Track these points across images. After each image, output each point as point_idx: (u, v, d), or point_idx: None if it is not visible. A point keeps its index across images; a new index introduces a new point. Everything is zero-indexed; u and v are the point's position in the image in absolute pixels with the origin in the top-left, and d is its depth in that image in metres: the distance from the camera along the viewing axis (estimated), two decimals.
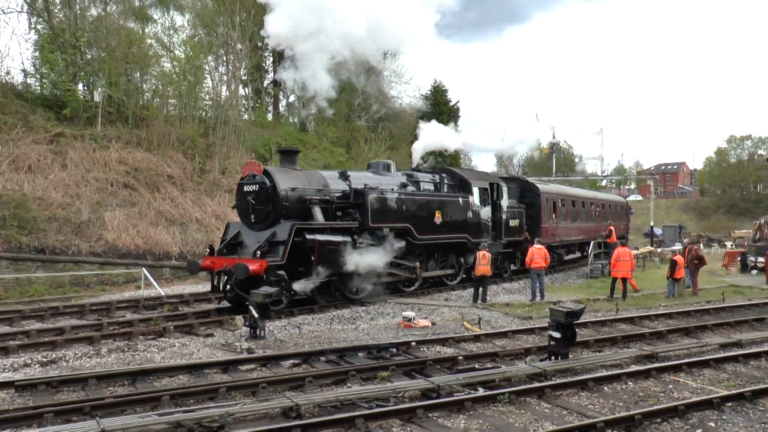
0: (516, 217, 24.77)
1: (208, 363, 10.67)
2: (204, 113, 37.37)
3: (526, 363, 11.18)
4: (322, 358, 11.29)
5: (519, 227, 24.91)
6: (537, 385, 9.49)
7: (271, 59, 45.76)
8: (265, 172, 16.75)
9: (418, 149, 25.63)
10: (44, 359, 11.15)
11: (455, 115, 46.06)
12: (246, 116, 41.61)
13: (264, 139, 37.46)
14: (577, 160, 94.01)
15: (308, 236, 15.89)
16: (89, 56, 33.62)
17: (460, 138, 27.83)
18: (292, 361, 11.11)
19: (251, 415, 8.04)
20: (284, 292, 15.64)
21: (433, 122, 29.09)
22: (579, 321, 11.50)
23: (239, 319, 14.24)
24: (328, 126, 41.97)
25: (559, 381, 9.79)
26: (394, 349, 11.91)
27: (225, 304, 16.73)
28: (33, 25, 34.29)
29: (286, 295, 15.81)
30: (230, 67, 39.99)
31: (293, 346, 12.75)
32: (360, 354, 11.63)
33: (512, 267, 25.95)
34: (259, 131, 39.11)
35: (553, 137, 72.55)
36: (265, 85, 47.54)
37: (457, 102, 48.96)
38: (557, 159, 72.74)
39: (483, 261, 18.88)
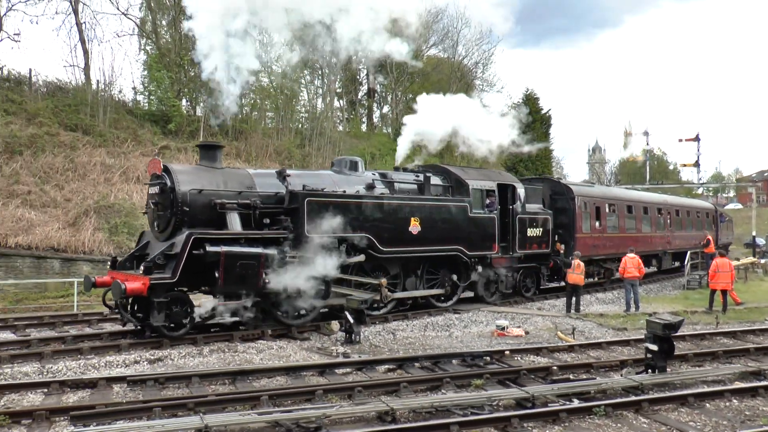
0: (538, 225, 20.38)
1: (306, 365, 10.96)
2: (300, 125, 38.42)
3: (621, 375, 10.91)
4: (417, 364, 11.38)
5: (543, 237, 20.51)
6: (634, 398, 9.23)
7: (365, 71, 46.57)
8: (166, 171, 13.97)
9: (404, 141, 20.38)
10: (152, 357, 11.75)
11: (547, 123, 45.46)
12: (341, 127, 42.46)
13: (359, 149, 38.12)
14: (671, 167, 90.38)
15: (210, 248, 12.96)
16: (192, 73, 35.30)
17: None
18: (387, 366, 11.26)
19: (347, 417, 8.20)
20: (187, 313, 13.41)
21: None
22: (677, 334, 11.08)
23: (335, 324, 14.51)
24: None
25: (656, 395, 9.47)
26: (488, 358, 11.88)
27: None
28: (142, 47, 36.48)
29: (188, 320, 13.44)
30: (325, 81, 40.96)
31: (388, 351, 12.93)
32: (454, 361, 11.65)
33: (543, 284, 21.72)
34: (354, 142, 39.83)
35: (647, 144, 70.15)
36: (359, 96, 48.35)
37: (549, 110, 48.37)
38: (650, 166, 70.21)
39: (577, 270, 18.54)
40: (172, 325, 13.21)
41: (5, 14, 31.22)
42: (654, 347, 10.59)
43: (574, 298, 18.70)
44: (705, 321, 17.27)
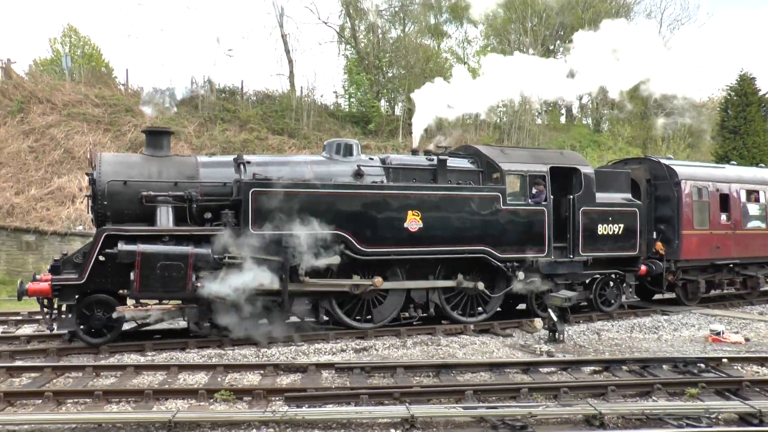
0: (616, 221, 15.59)
1: (510, 362, 10.80)
2: (498, 120, 38.33)
3: None
4: (624, 368, 10.77)
5: (625, 236, 15.66)
6: None
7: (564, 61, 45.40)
8: (97, 160, 12.69)
9: (420, 119, 17.01)
10: (357, 346, 12.19)
11: (766, 105, 40.88)
12: (539, 120, 41.66)
13: (558, 141, 37.25)
14: None
15: (124, 246, 11.47)
16: (390, 74, 36.62)
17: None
18: (592, 368, 10.76)
19: (553, 418, 7.97)
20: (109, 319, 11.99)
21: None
22: None
23: (538, 322, 14.15)
24: (623, 125, 40.22)
25: None
26: (703, 365, 10.89)
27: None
28: (342, 52, 38.53)
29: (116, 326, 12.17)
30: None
31: (593, 352, 12.40)
32: (664, 366, 10.85)
33: (629, 295, 16.70)
34: (553, 134, 38.97)
35: None
36: None
37: None
38: None
39: None
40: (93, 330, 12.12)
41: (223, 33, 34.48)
42: None
43: None
44: None
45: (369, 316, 13.88)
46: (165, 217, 12.16)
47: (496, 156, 14.94)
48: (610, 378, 10.23)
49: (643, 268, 16.32)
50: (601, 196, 15.57)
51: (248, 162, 13.05)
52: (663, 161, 17.90)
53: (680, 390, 9.44)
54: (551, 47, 40.96)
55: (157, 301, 12.38)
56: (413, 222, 13.47)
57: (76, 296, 11.90)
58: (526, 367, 10.59)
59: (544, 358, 11.56)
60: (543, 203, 14.76)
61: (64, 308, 12.10)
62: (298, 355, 11.64)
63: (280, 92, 35.55)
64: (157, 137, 13.26)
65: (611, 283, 16.24)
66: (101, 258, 11.84)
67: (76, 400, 8.85)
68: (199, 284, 11.80)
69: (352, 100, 36.29)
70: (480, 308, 14.76)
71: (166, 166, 12.85)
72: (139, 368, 10.42)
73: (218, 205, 12.63)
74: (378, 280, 13.29)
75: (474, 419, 7.86)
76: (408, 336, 13.11)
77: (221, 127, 30.48)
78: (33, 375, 10.12)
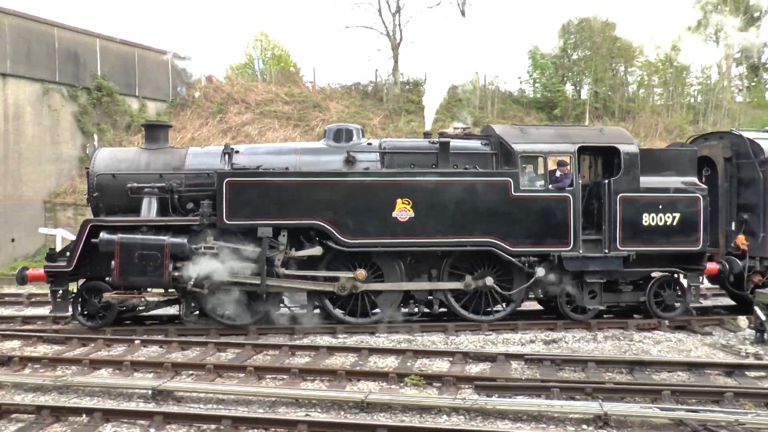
0: (670, 210, 12.88)
1: (711, 363, 10.16)
2: (692, 99, 35.82)
3: None
4: None
5: (683, 227, 12.88)
6: None
7: None
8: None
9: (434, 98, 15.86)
10: (546, 338, 12.04)
11: None
12: (740, 98, 38.28)
13: (763, 121, 34.10)
14: None
15: (105, 236, 11.93)
16: (575, 57, 35.53)
17: None
18: None
19: (765, 428, 7.38)
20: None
21: None
22: None
23: (742, 320, 13.07)
24: None
25: None
26: None
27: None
28: None
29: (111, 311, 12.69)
30: (721, 46, 37.36)
31: None
32: None
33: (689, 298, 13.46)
34: (756, 113, 35.65)
35: None
36: (762, 60, 42.86)
37: None
38: None
39: None
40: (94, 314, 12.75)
41: (404, 25, 35.42)
42: None
43: None
44: None
45: (375, 311, 13.17)
46: (150, 208, 12.54)
47: (510, 136, 13.10)
48: None
49: (711, 266, 13.57)
50: (649, 180, 13.03)
51: (237, 151, 13.04)
52: (747, 135, 14.41)
53: None
54: (755, 15, 37.31)
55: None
56: (403, 211, 12.43)
57: (70, 282, 12.78)
58: (731, 369, 9.89)
59: (752, 360, 10.72)
60: (567, 189, 12.82)
61: (71, 293, 12.95)
62: (486, 344, 11.73)
63: (464, 81, 35.84)
64: (154, 131, 13.68)
65: (674, 284, 13.58)
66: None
67: (274, 376, 9.71)
68: (176, 273, 12.10)
69: (536, 85, 35.76)
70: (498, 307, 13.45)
71: (155, 158, 13.14)
72: (331, 349, 11.07)
73: (202, 195, 12.66)
74: (360, 272, 12.54)
75: (672, 422, 7.52)
76: (599, 329, 12.73)
77: (405, 118, 31.30)
78: (236, 351, 11.16)
